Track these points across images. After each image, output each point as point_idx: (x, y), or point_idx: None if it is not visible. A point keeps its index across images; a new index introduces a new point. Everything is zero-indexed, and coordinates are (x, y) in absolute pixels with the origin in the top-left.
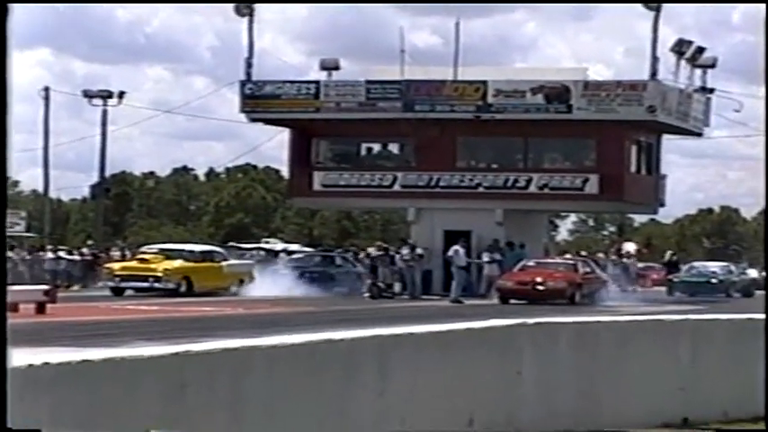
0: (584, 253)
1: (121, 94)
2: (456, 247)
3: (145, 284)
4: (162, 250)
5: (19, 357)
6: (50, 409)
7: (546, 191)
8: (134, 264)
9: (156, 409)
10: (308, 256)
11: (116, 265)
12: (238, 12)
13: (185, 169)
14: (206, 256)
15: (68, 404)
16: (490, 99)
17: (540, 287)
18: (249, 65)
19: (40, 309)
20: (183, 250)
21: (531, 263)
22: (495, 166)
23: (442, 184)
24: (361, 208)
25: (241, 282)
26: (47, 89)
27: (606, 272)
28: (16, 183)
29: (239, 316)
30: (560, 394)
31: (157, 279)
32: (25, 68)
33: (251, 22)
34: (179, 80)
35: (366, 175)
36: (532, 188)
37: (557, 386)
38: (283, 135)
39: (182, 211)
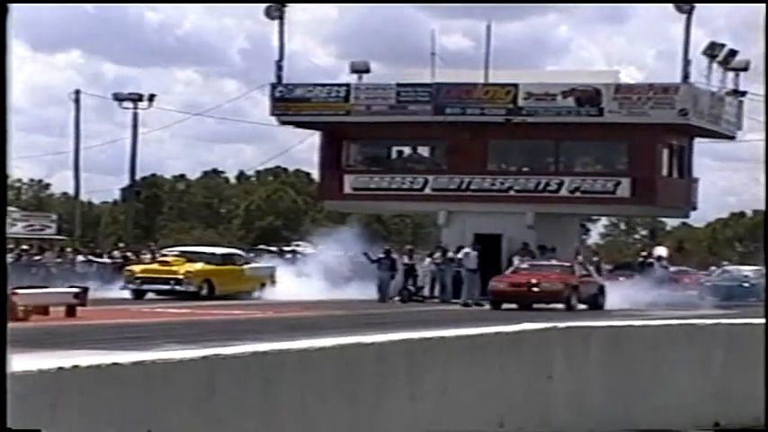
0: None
1: (152, 97)
2: (466, 249)
3: (166, 287)
4: (183, 253)
5: (49, 361)
6: (80, 412)
7: (577, 194)
8: (155, 266)
9: (186, 413)
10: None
11: (137, 268)
12: (269, 14)
13: (216, 172)
14: (227, 258)
15: (98, 407)
16: (521, 102)
17: (535, 289)
18: (280, 68)
19: (71, 312)
20: (204, 253)
21: (524, 265)
22: (526, 169)
23: (472, 187)
24: (391, 211)
25: (263, 285)
26: (77, 92)
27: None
28: (47, 185)
29: (269, 319)
30: (591, 398)
31: (179, 282)
32: (56, 71)
33: (281, 25)
34: (209, 83)
35: (397, 178)
36: (564, 192)
37: (587, 390)
38: (314, 138)
39: (212, 214)
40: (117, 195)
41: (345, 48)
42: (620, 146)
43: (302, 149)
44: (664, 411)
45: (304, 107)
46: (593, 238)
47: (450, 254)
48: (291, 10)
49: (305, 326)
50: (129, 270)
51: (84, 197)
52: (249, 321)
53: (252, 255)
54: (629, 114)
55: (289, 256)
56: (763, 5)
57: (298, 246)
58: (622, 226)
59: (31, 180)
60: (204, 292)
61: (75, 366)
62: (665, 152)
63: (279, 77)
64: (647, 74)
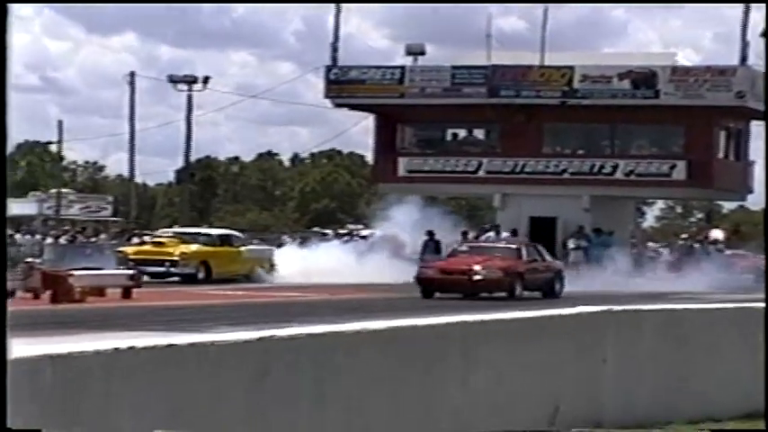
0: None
1: (206, 80)
2: (490, 233)
3: (161, 269)
4: (178, 234)
5: (107, 342)
6: (136, 393)
7: (633, 177)
8: (149, 248)
9: (239, 395)
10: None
11: (130, 249)
12: None
13: (270, 154)
14: (224, 240)
15: (153, 388)
16: (576, 84)
17: (469, 277)
18: (335, 50)
19: (126, 293)
20: (199, 233)
21: (463, 247)
22: (581, 152)
23: (527, 169)
24: (446, 194)
25: (261, 268)
26: (132, 74)
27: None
28: (102, 167)
29: (324, 301)
30: (644, 382)
31: (174, 263)
32: (111, 53)
33: (337, 8)
34: (264, 65)
35: (451, 160)
36: (619, 174)
37: (641, 374)
38: (368, 120)
39: (267, 196)
40: (171, 177)
41: (400, 30)
42: (675, 128)
43: (357, 132)
44: (716, 396)
45: (358, 89)
46: (649, 221)
47: (503, 234)
48: None
49: (358, 308)
50: (122, 251)
51: (138, 179)
52: (304, 304)
53: (293, 236)
54: (685, 97)
55: (346, 238)
56: (763, 5)
57: (355, 227)
58: (678, 209)
59: (86, 162)
60: (201, 275)
61: (132, 347)
62: (722, 135)
63: (334, 60)
64: (704, 56)
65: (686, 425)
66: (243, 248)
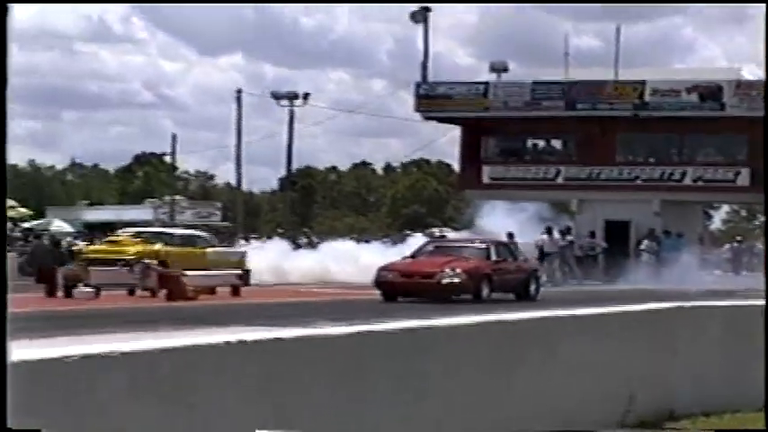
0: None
1: (306, 96)
2: (543, 236)
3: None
4: (139, 233)
5: (217, 336)
6: (245, 383)
7: (700, 183)
8: (104, 246)
9: (336, 386)
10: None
11: (88, 248)
12: (414, 18)
13: (364, 164)
14: (186, 240)
15: (260, 379)
16: (648, 98)
17: (430, 280)
18: (424, 67)
19: (235, 291)
20: (162, 233)
21: (429, 247)
22: (652, 160)
23: (602, 177)
24: (526, 199)
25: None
26: (239, 91)
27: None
28: (212, 177)
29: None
30: (714, 375)
31: (127, 263)
32: (220, 73)
33: (426, 28)
34: (359, 82)
35: (531, 168)
36: (687, 181)
37: (711, 367)
38: (455, 132)
39: (361, 202)
40: (275, 185)
41: (484, 49)
42: (739, 138)
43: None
44: None
45: (446, 104)
46: (716, 223)
47: (569, 237)
48: (435, 14)
49: (447, 305)
50: (79, 249)
51: (245, 187)
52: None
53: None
54: (748, 109)
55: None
56: (763, 5)
57: (440, 230)
58: (743, 213)
59: (198, 172)
60: None
61: (242, 341)
62: None
63: (423, 76)
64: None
65: (754, 412)
66: (208, 250)
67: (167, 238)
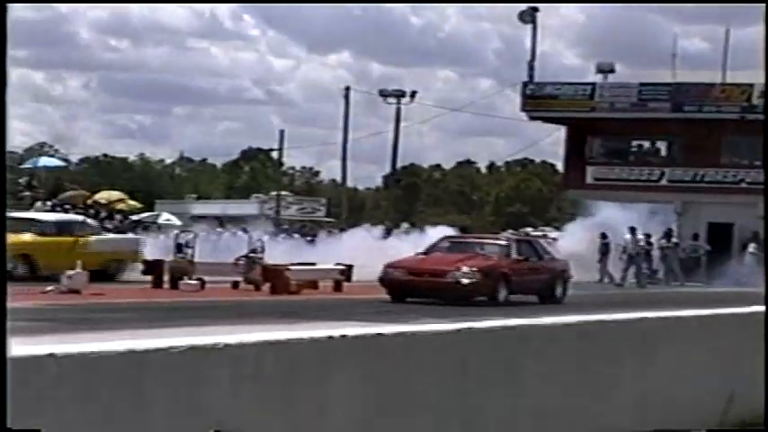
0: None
1: (413, 94)
2: (627, 236)
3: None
4: (10, 218)
5: (320, 330)
6: (348, 376)
7: None
8: None
9: (436, 383)
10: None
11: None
12: (522, 19)
13: (469, 162)
14: (62, 228)
15: (362, 373)
16: (755, 101)
17: (440, 279)
18: (531, 67)
19: (337, 286)
20: (33, 220)
21: (445, 243)
22: (757, 163)
23: (707, 179)
24: (629, 200)
25: (119, 262)
26: (347, 88)
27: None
28: (317, 173)
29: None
30: None
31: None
32: (328, 70)
33: (534, 28)
34: (465, 81)
35: (636, 169)
36: None
37: None
38: (559, 132)
39: (465, 200)
40: (379, 182)
41: (592, 49)
42: None
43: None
44: None
45: (552, 104)
46: None
47: (674, 239)
48: (543, 14)
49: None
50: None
51: (349, 184)
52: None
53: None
54: None
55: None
56: (763, 5)
57: (542, 230)
58: None
59: (303, 167)
60: (20, 270)
61: (344, 336)
62: None
63: (530, 76)
64: None
65: None
66: (91, 239)
67: (41, 226)
